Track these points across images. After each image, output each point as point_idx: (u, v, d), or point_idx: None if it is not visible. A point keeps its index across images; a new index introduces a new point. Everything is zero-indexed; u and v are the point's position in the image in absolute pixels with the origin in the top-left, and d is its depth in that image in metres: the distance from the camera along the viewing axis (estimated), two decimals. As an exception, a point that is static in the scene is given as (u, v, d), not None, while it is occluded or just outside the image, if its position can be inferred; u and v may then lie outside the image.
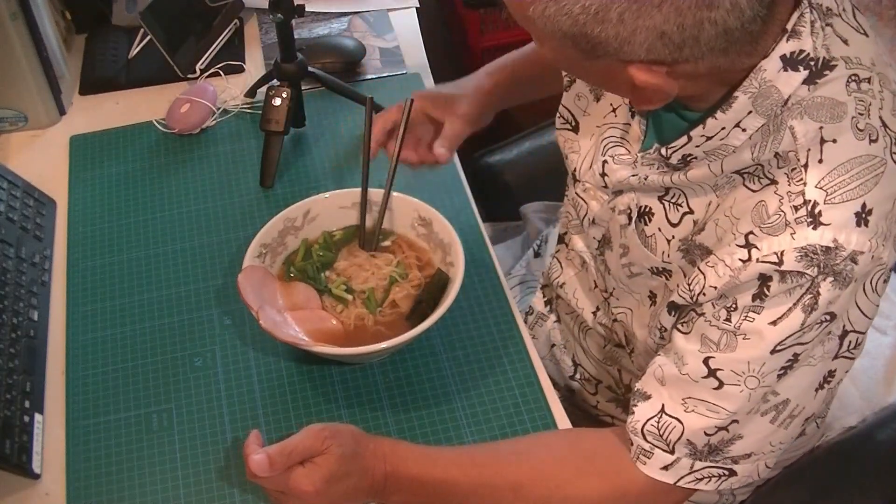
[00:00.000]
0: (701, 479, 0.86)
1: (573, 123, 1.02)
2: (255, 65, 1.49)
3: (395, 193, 1.13)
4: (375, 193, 1.13)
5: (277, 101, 1.27)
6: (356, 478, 0.86)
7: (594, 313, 1.12)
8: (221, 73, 1.46)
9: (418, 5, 1.60)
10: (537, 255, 1.35)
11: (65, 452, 1.00)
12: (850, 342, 0.83)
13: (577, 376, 1.22)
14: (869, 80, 0.79)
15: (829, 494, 1.08)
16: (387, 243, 1.13)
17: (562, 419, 1.03)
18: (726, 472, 0.86)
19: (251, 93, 1.41)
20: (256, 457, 0.83)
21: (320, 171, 1.30)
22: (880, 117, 0.79)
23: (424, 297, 1.06)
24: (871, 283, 0.79)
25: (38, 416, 1.01)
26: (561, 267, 1.16)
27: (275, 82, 1.31)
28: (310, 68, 1.32)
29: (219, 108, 1.39)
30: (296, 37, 1.52)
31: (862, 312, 0.81)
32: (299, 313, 1.05)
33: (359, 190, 1.13)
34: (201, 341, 1.10)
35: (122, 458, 0.99)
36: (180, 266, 1.18)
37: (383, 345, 0.97)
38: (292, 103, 1.28)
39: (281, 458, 0.84)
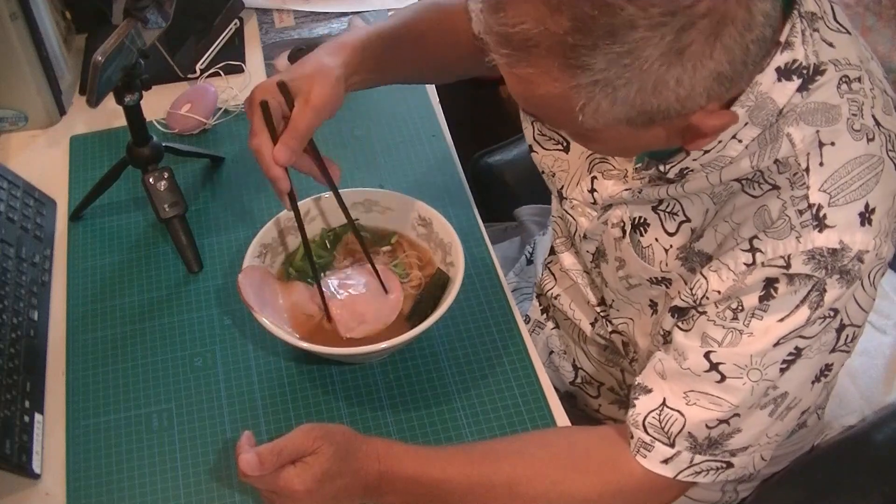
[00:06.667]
0: (699, 473, 0.87)
1: (565, 144, 1.01)
2: (255, 65, 1.49)
3: (395, 193, 1.13)
4: (374, 193, 1.13)
5: (163, 185, 1.17)
6: (349, 478, 0.86)
7: (592, 325, 1.12)
8: (221, 73, 1.46)
9: (418, 5, 1.60)
10: (529, 262, 1.35)
11: (65, 452, 1.00)
12: (847, 336, 0.83)
13: (578, 380, 1.22)
14: (859, 80, 0.80)
15: (829, 493, 1.08)
16: (387, 248, 1.13)
17: (562, 419, 1.03)
18: (723, 465, 0.87)
19: (75, 215, 1.24)
20: (246, 456, 0.83)
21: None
22: (873, 116, 0.79)
23: (424, 297, 1.06)
24: (869, 278, 0.80)
25: (38, 416, 1.01)
26: (554, 279, 1.16)
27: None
28: (164, 143, 1.21)
29: (219, 109, 1.39)
30: (296, 37, 1.53)
31: (859, 306, 0.82)
32: (299, 314, 1.05)
33: (360, 190, 1.13)
34: (201, 341, 1.10)
35: (122, 458, 0.99)
36: (180, 266, 1.18)
37: (383, 345, 0.98)
38: (175, 179, 1.18)
39: (271, 457, 0.83)
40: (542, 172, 1.05)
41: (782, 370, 0.81)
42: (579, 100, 0.69)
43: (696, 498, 1.08)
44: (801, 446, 1.12)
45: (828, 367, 0.85)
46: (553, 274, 1.17)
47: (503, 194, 1.55)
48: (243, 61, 1.49)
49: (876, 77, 0.83)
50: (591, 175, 0.96)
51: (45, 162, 1.34)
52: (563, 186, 1.01)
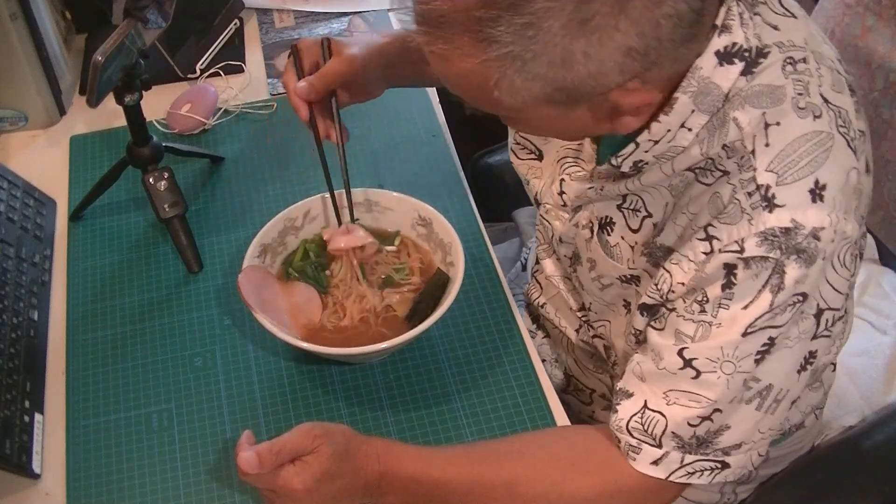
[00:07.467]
0: (693, 473, 0.86)
1: (538, 152, 1.03)
2: (255, 65, 1.49)
3: (395, 193, 1.13)
4: (374, 193, 1.13)
5: (163, 185, 1.17)
6: (348, 477, 0.86)
7: (577, 331, 1.12)
8: (221, 73, 1.46)
9: (418, 5, 1.60)
10: (525, 268, 1.35)
11: (65, 452, 1.00)
12: (826, 320, 0.82)
13: (571, 388, 1.22)
14: (805, 60, 0.80)
15: (829, 494, 1.08)
16: (392, 248, 1.13)
17: (561, 419, 1.03)
18: (719, 465, 0.86)
19: (75, 215, 1.25)
20: (245, 454, 0.83)
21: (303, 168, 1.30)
22: (821, 94, 0.79)
23: (424, 297, 1.06)
24: (838, 258, 0.79)
25: (38, 416, 1.02)
26: (540, 287, 1.17)
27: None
28: (164, 143, 1.21)
29: (219, 109, 1.39)
30: (296, 37, 1.53)
31: (834, 289, 0.81)
32: (299, 314, 1.05)
33: (360, 190, 1.13)
34: (201, 341, 1.10)
35: (122, 458, 0.99)
36: (180, 266, 1.18)
37: (383, 345, 0.98)
38: (175, 179, 1.18)
39: (270, 455, 0.83)
40: (523, 179, 1.06)
41: (758, 361, 0.81)
42: (493, 75, 0.70)
43: (695, 499, 1.08)
44: (801, 447, 1.12)
45: (812, 354, 0.84)
46: (539, 283, 1.17)
47: (503, 194, 1.55)
48: (243, 61, 1.49)
49: (826, 57, 0.83)
50: (561, 178, 0.97)
51: (45, 162, 1.34)
52: (537, 193, 1.02)
